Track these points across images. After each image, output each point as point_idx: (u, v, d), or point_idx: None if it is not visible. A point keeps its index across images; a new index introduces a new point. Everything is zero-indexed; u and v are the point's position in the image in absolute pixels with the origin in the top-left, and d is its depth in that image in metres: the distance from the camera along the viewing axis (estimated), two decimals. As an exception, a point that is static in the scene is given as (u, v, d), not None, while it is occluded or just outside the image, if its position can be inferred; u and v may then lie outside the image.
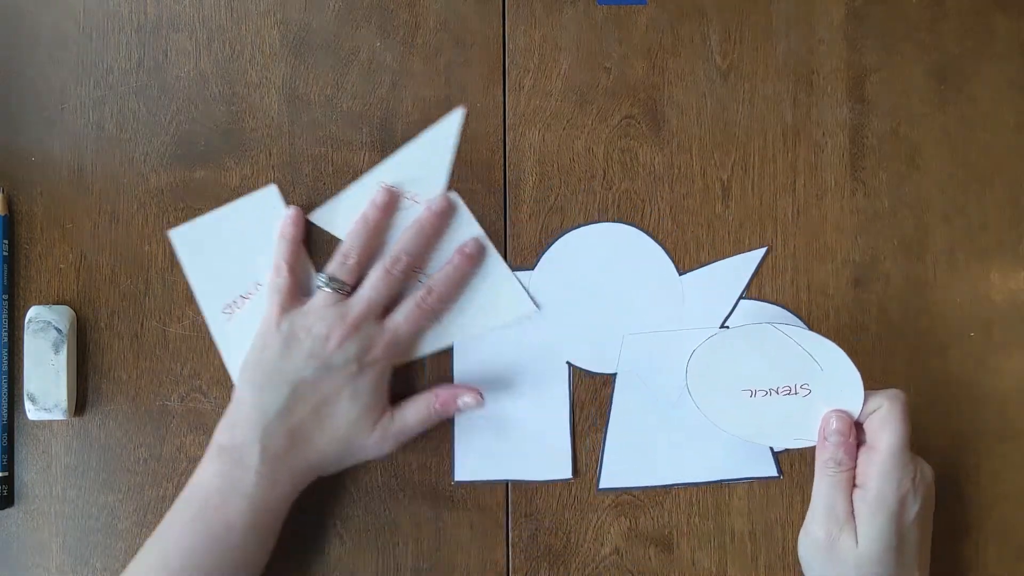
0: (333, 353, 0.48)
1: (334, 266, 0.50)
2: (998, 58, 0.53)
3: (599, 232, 0.53)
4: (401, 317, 0.50)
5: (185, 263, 0.52)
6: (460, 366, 0.52)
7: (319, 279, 0.50)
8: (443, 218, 0.52)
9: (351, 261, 0.50)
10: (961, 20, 0.53)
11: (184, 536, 0.46)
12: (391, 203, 0.51)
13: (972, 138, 0.53)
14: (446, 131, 0.53)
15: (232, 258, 0.52)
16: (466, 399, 0.50)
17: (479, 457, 0.52)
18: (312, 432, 0.48)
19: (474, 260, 0.51)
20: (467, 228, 0.52)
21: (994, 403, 0.52)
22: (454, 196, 0.52)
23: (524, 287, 0.52)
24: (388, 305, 0.50)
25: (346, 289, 0.49)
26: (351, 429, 0.48)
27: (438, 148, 0.53)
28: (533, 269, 0.52)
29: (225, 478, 0.47)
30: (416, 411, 0.50)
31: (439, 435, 0.52)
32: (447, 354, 0.52)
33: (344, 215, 0.52)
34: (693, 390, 0.48)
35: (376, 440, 0.49)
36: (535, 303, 0.52)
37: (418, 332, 0.51)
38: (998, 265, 0.52)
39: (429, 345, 0.52)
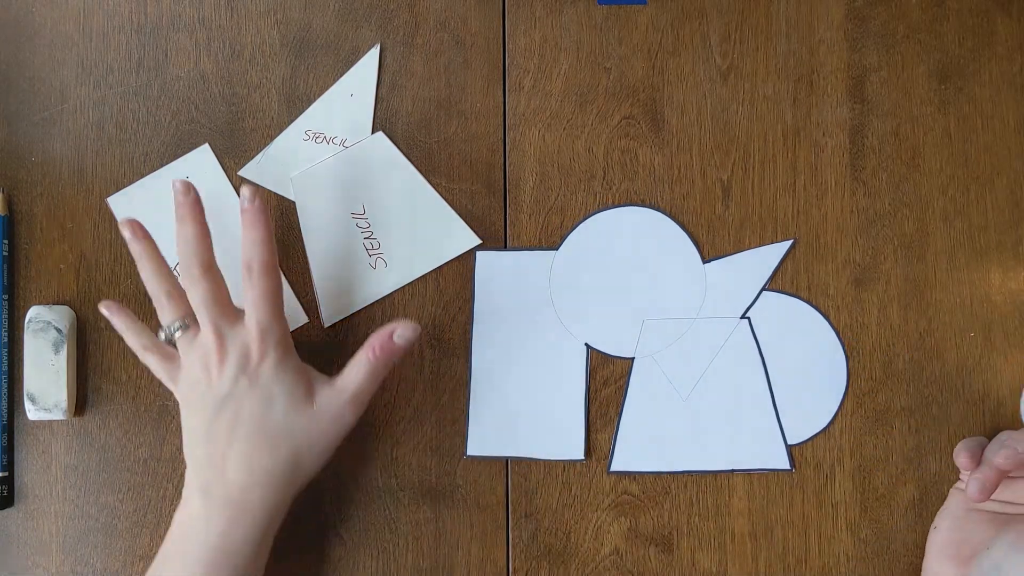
0: (219, 384, 0.46)
1: (162, 316, 0.48)
2: (998, 58, 0.53)
3: (625, 215, 0.53)
4: (249, 307, 0.47)
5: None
6: (478, 345, 0.52)
7: (163, 336, 0.48)
8: (194, 217, 0.47)
9: (163, 300, 0.48)
10: (961, 20, 0.53)
11: None
12: (145, 231, 0.48)
13: (972, 138, 0.53)
14: (366, 71, 0.53)
15: (171, 222, 0.51)
16: (401, 332, 0.47)
17: (492, 434, 0.52)
18: (246, 458, 0.46)
19: (258, 211, 0.47)
20: (399, 167, 0.53)
21: (993, 403, 0.52)
22: (381, 136, 0.53)
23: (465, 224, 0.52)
24: (229, 304, 0.48)
25: (187, 322, 0.47)
26: (283, 431, 0.46)
27: (360, 90, 0.53)
28: (557, 249, 0.52)
29: (179, 527, 0.46)
30: (358, 370, 0.47)
31: (447, 421, 0.52)
32: (465, 331, 0.52)
33: (271, 169, 0.53)
34: None
35: (326, 420, 0.47)
36: (477, 236, 0.52)
37: (276, 308, 0.47)
38: (998, 265, 0.52)
39: (384, 287, 0.52)
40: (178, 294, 0.48)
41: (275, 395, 0.46)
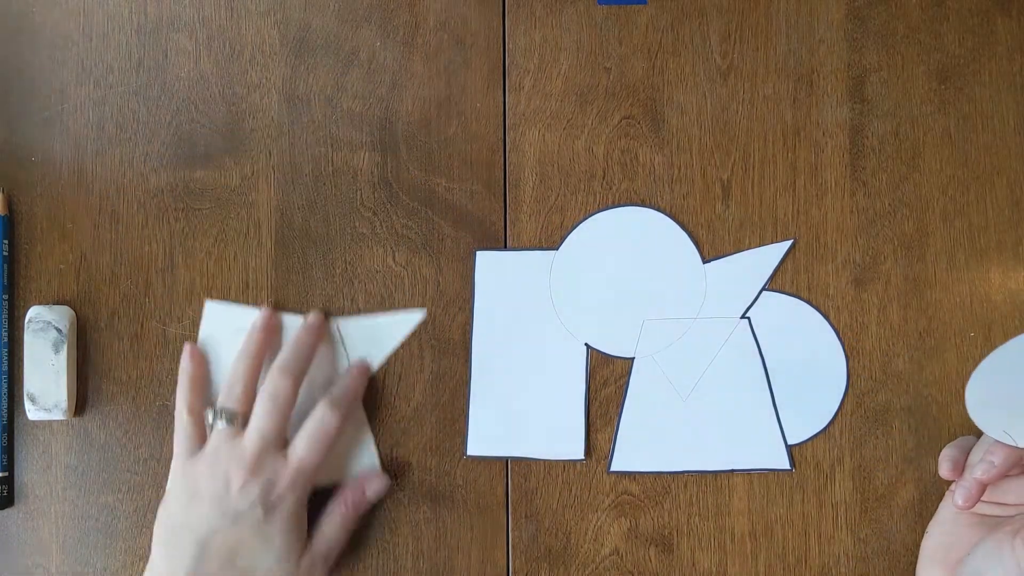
0: (236, 499, 0.46)
1: (222, 397, 0.48)
2: (998, 58, 0.53)
3: (625, 215, 0.53)
4: (302, 445, 0.47)
5: (201, 335, 0.52)
6: (478, 345, 0.52)
7: (208, 416, 0.48)
8: (317, 333, 0.51)
9: (238, 389, 0.48)
10: (961, 20, 0.53)
11: None
12: (275, 325, 0.51)
13: (972, 138, 0.53)
14: (403, 324, 0.52)
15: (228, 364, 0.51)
16: (374, 487, 0.50)
17: (492, 434, 0.52)
18: None
19: (364, 375, 0.51)
20: (339, 358, 0.52)
21: (994, 403, 0.52)
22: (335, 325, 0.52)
23: (376, 448, 0.51)
24: (284, 430, 0.48)
25: (238, 420, 0.47)
26: (269, 574, 0.46)
27: (386, 335, 0.52)
28: (557, 249, 0.52)
29: None
30: (333, 526, 0.49)
31: (447, 421, 0.52)
32: (465, 331, 0.52)
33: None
34: (974, 411, 0.45)
35: (303, 572, 0.47)
36: (382, 464, 0.51)
37: (321, 456, 0.48)
38: (998, 265, 0.52)
39: None
40: (250, 395, 0.48)
41: (276, 541, 0.46)
